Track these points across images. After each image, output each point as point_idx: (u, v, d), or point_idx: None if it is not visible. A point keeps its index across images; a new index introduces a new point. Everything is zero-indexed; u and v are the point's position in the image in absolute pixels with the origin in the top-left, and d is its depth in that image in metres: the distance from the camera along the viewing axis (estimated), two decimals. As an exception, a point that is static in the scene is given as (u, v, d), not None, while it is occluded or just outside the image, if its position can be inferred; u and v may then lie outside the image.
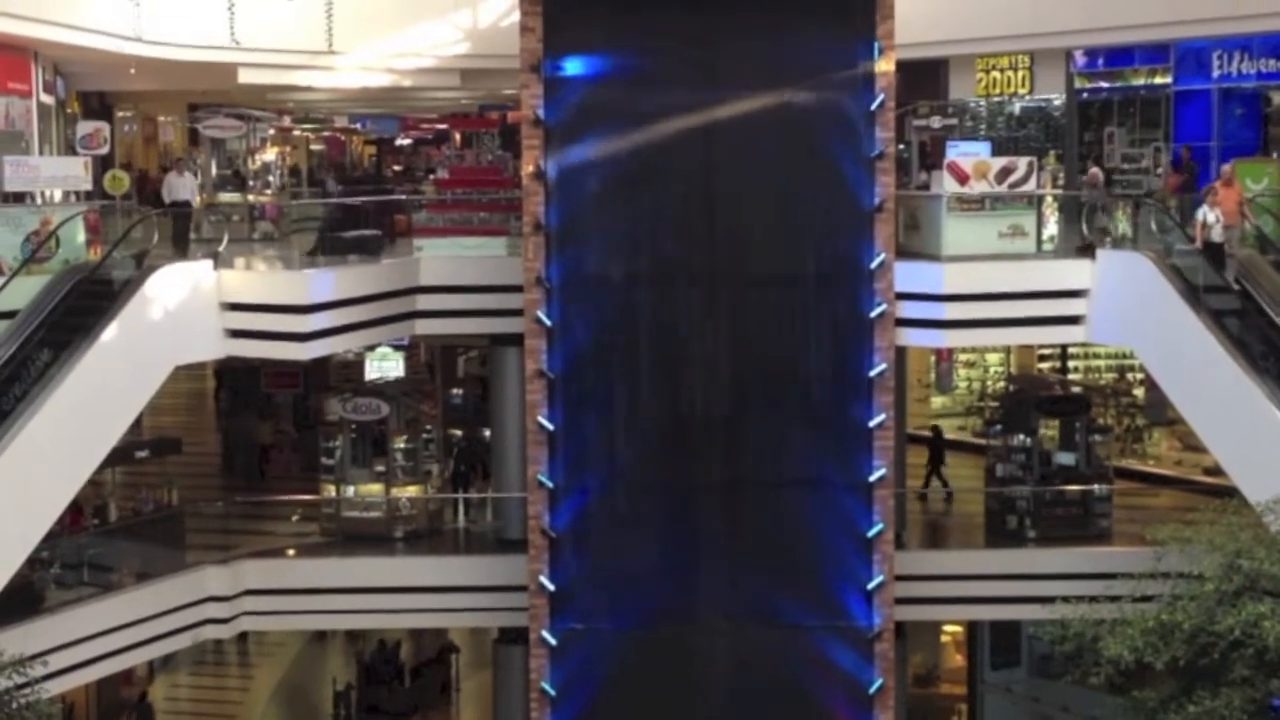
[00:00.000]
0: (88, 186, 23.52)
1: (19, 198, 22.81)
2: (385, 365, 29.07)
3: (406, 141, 53.62)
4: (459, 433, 28.63)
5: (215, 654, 31.84)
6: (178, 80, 32.95)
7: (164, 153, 43.29)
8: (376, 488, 24.95)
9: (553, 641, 21.77)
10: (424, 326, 23.71)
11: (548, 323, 21.66)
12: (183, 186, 24.65)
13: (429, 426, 25.90)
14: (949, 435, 31.00)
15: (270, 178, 34.64)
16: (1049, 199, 24.24)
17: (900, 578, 22.02)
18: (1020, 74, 31.78)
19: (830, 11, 21.63)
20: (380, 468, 25.06)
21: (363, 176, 49.07)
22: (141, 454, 24.45)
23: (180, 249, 22.55)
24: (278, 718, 31.54)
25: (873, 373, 21.63)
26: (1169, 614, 17.47)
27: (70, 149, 28.21)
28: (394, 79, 32.00)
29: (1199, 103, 29.28)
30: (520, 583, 22.08)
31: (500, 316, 22.95)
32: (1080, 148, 31.01)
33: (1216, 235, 20.70)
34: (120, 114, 38.85)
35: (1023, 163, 22.80)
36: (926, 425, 30.83)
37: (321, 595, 23.60)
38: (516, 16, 22.06)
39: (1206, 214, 20.79)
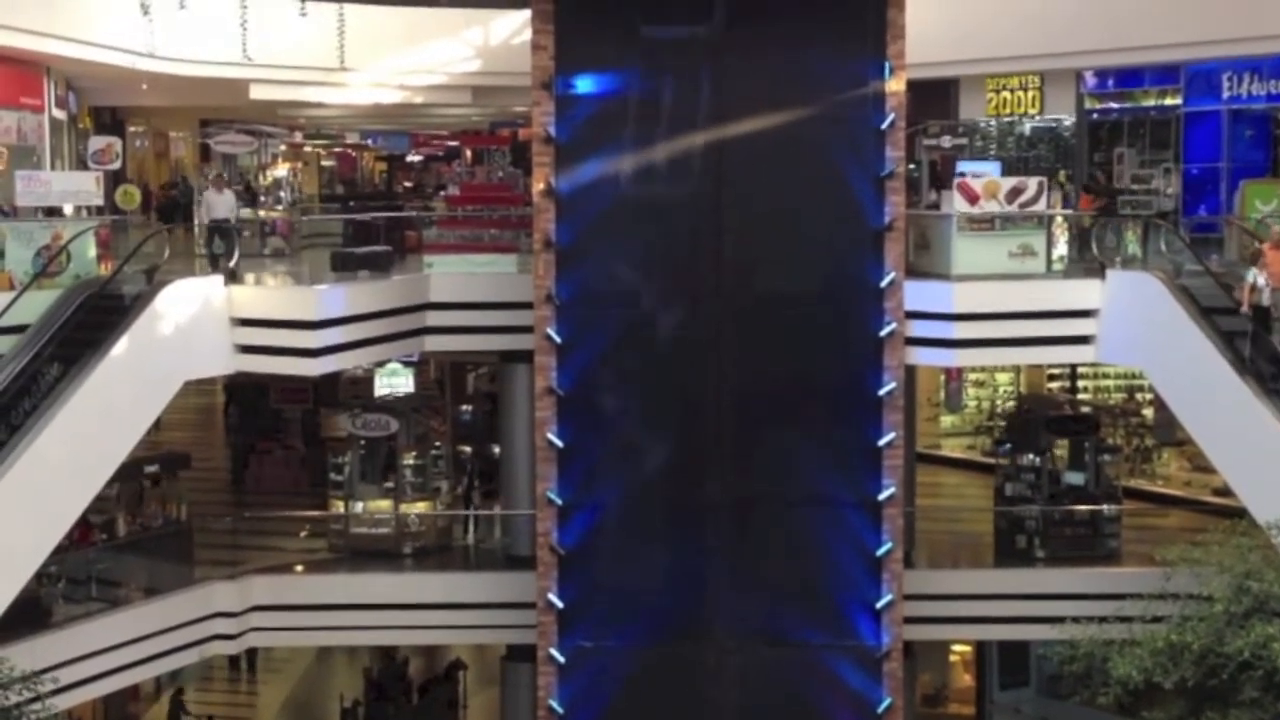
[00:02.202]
0: (99, 201, 23.57)
1: (51, 211, 22.89)
2: (395, 381, 29.08)
3: (417, 158, 53.77)
4: (469, 449, 28.65)
5: (223, 670, 31.83)
6: (189, 96, 33.10)
7: (174, 169, 43.47)
8: (385, 504, 24.95)
9: (561, 659, 21.76)
10: (434, 343, 23.73)
11: (557, 340, 21.68)
12: (222, 204, 24.64)
13: (438, 443, 25.89)
14: (958, 454, 31.08)
15: (281, 193, 34.71)
16: (1059, 219, 24.23)
17: (909, 597, 21.99)
18: (1030, 94, 31.80)
19: (841, 31, 21.67)
20: (389, 484, 25.06)
21: (373, 192, 49.27)
22: (151, 469, 24.45)
23: (222, 270, 22.20)
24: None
25: (882, 391, 21.62)
26: (1178, 635, 17.41)
27: (82, 164, 28.30)
28: (405, 96, 32.11)
29: (1209, 124, 29.29)
30: (529, 600, 22.07)
31: (510, 333, 22.96)
32: (1090, 168, 31.03)
33: (1265, 299, 20.12)
34: (132, 129, 39.02)
35: (1033, 183, 22.80)
36: (933, 444, 30.95)
37: (330, 611, 23.59)
38: (528, 34, 22.12)
39: (1256, 277, 20.10)
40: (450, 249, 24.72)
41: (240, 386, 31.62)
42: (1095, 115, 31.44)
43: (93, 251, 21.73)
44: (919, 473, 25.22)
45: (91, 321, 20.17)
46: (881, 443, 21.66)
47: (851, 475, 21.83)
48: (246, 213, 30.71)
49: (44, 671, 17.41)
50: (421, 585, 23.88)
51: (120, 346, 19.87)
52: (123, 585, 22.37)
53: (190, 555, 23.82)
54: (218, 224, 23.86)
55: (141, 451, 23.04)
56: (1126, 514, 24.60)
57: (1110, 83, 31.00)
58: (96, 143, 27.10)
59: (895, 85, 21.45)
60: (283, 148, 45.87)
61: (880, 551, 21.66)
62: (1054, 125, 32.16)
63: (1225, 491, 22.77)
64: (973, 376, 31.65)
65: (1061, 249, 23.71)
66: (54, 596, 21.13)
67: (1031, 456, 24.54)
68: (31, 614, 20.04)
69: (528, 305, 21.93)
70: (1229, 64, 28.26)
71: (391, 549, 24.58)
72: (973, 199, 22.26)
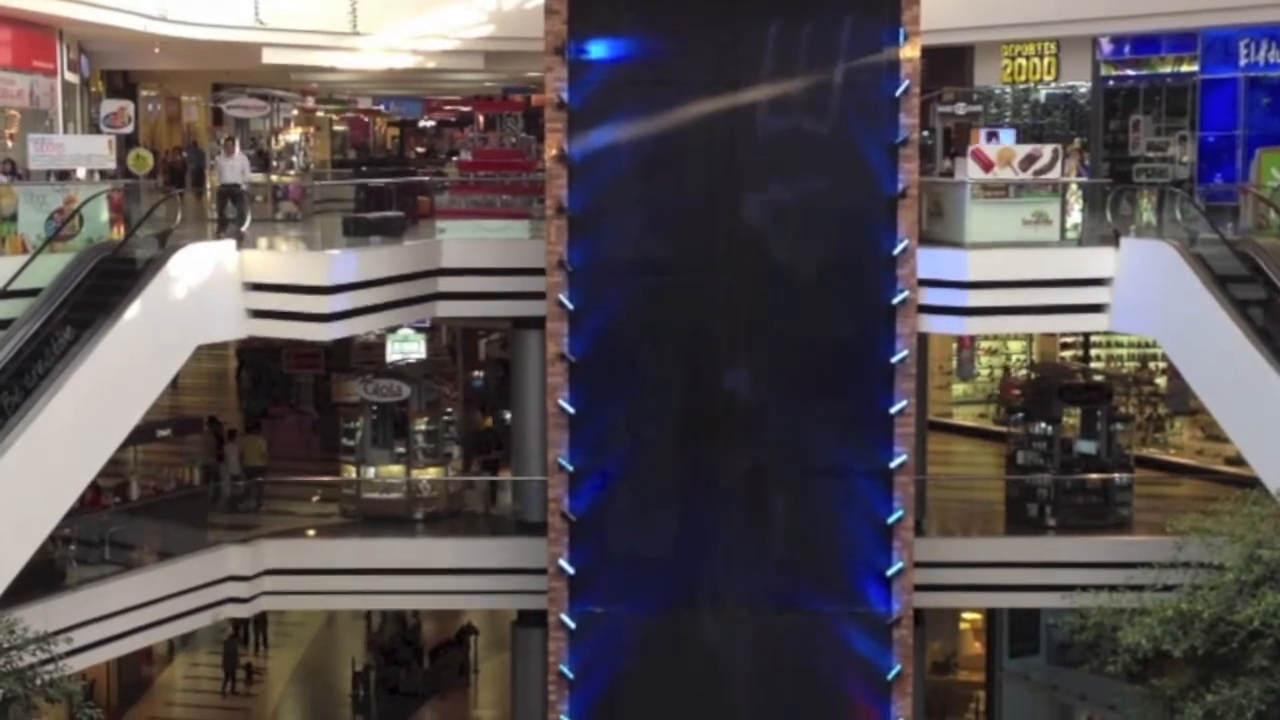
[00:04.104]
0: (111, 165, 23.57)
1: (63, 175, 22.87)
2: (406, 347, 29.13)
3: (430, 123, 53.75)
4: (477, 417, 28.71)
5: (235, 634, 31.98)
6: (202, 60, 33.03)
7: (186, 133, 43.46)
8: (397, 469, 25.00)
9: (571, 625, 21.81)
10: (445, 309, 23.72)
11: (569, 306, 21.66)
12: (231, 169, 24.57)
13: (450, 409, 25.92)
14: (970, 423, 31.07)
15: (293, 158, 34.71)
16: (1073, 187, 24.14)
17: (919, 564, 22.00)
18: (1046, 61, 31.66)
19: (856, -4, 21.60)
20: (401, 449, 25.11)
21: (386, 158, 49.26)
22: (163, 433, 24.51)
23: (231, 235, 22.03)
24: (297, 698, 31.68)
25: (894, 359, 21.59)
26: (1188, 603, 17.45)
27: (94, 128, 28.28)
28: (418, 61, 32.05)
29: (1225, 91, 29.16)
30: (540, 565, 22.11)
31: (522, 299, 22.95)
32: (1106, 135, 30.92)
33: None
34: (144, 93, 39.02)
35: (1047, 150, 22.70)
36: (945, 413, 30.94)
37: (341, 576, 23.66)
38: (541, -1, 22.04)
39: None
40: (462, 214, 24.66)
41: (252, 351, 31.69)
42: (1111, 82, 31.30)
43: (105, 215, 21.72)
44: (930, 441, 25.21)
45: (104, 285, 20.18)
46: (893, 410, 21.64)
47: (863, 443, 21.82)
48: (259, 177, 30.72)
49: (58, 633, 17.55)
50: (433, 550, 23.94)
51: (133, 311, 19.86)
52: (136, 548, 22.44)
53: (203, 519, 23.92)
54: (228, 188, 23.80)
55: (159, 415, 23.18)
56: (1138, 483, 24.58)
57: (1126, 49, 30.85)
58: (109, 106, 27.05)
59: (910, 52, 21.35)
60: (295, 112, 45.81)
61: (891, 519, 21.66)
62: (1069, 92, 32.02)
63: (1237, 460, 22.74)
64: (985, 345, 31.61)
65: (1076, 217, 23.62)
66: (68, 559, 21.19)
67: (1043, 425, 24.51)
68: (45, 576, 20.10)
69: (540, 271, 21.90)
70: (1246, 31, 28.10)
71: (403, 514, 24.64)
72: (987, 166, 22.17)
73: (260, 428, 29.48)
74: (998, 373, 31.54)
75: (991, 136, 23.13)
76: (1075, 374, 26.76)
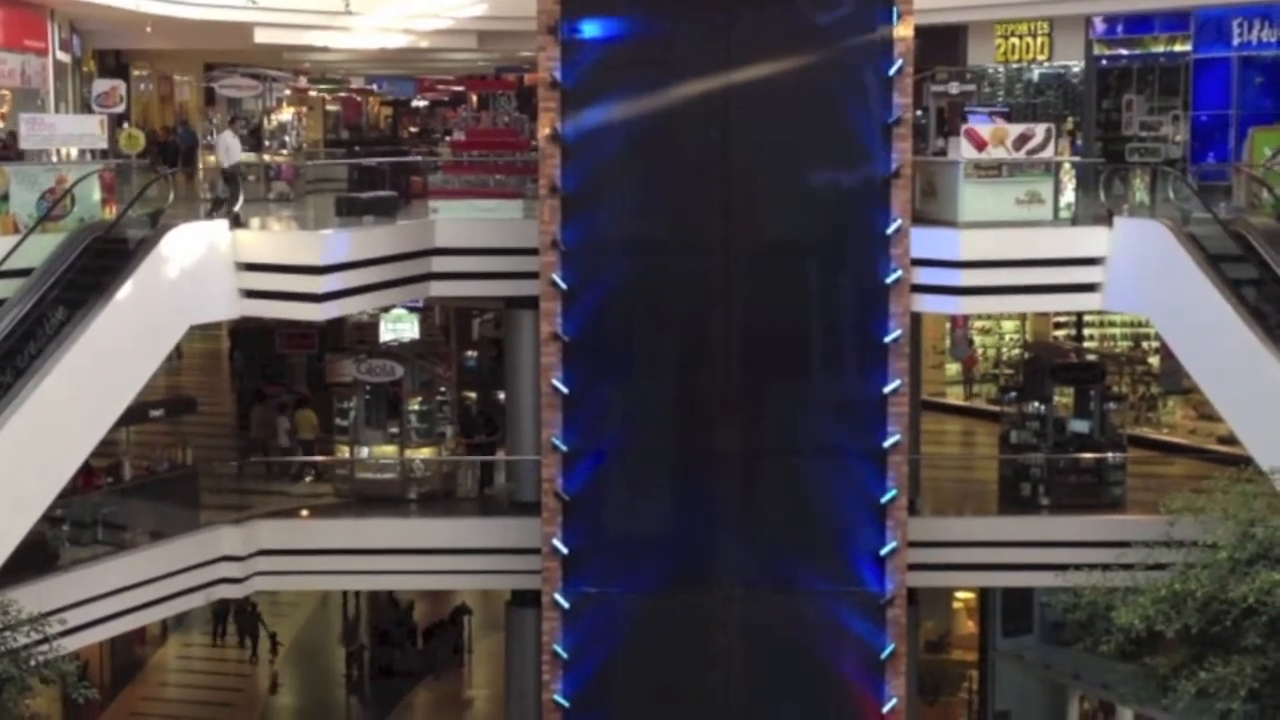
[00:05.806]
0: (103, 145, 23.50)
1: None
2: (400, 327, 29.06)
3: (423, 103, 53.61)
4: (473, 395, 28.65)
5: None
6: (194, 39, 32.98)
7: (180, 112, 43.35)
8: (390, 449, 24.99)
9: (565, 605, 21.83)
10: (439, 288, 23.68)
11: (563, 286, 21.64)
12: (237, 149, 24.43)
13: (443, 389, 25.90)
14: (962, 402, 31.08)
15: (286, 138, 34.63)
16: (1066, 166, 24.13)
17: (913, 544, 22.02)
18: (1039, 40, 31.63)
19: (849, -25, 21.54)
20: (394, 429, 25.09)
21: (379, 138, 49.15)
22: (156, 413, 24.48)
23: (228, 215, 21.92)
24: (291, 678, 31.70)
25: (888, 339, 21.59)
26: (1181, 582, 17.49)
27: (86, 107, 28.20)
28: (411, 40, 32.02)
29: (1218, 71, 29.13)
30: (533, 545, 22.12)
31: (515, 279, 22.91)
32: (1099, 115, 30.89)
33: None
34: (136, 73, 38.90)
35: (1040, 129, 22.68)
36: (938, 392, 30.94)
37: (335, 556, 23.66)
38: (534, -22, 21.96)
39: None
40: (456, 194, 24.62)
41: (245, 331, 31.63)
42: (1104, 62, 31.27)
43: (97, 195, 21.67)
44: (924, 420, 25.21)
45: (96, 265, 20.14)
46: (887, 390, 21.64)
47: (857, 423, 21.82)
48: (250, 157, 30.62)
49: (51, 614, 17.53)
50: (427, 530, 23.93)
51: (125, 290, 19.84)
52: (129, 529, 22.41)
53: (196, 499, 23.88)
54: (235, 168, 23.67)
55: (157, 395, 23.13)
56: (1131, 462, 24.58)
57: (1120, 29, 30.82)
58: (101, 86, 26.93)
59: (903, 31, 21.31)
60: (287, 92, 45.71)
61: (885, 499, 21.68)
62: (1063, 72, 32.00)
63: (1230, 439, 22.77)
64: (978, 324, 31.61)
65: (1069, 196, 23.61)
66: (60, 539, 21.16)
67: (1037, 404, 24.52)
68: (38, 557, 20.09)
69: (533, 251, 21.87)
70: (1239, 10, 28.08)
71: (397, 494, 24.64)
72: (980, 146, 22.15)
73: (308, 402, 29.35)
74: (990, 352, 31.55)
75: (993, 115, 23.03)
76: (1068, 353, 26.77)
